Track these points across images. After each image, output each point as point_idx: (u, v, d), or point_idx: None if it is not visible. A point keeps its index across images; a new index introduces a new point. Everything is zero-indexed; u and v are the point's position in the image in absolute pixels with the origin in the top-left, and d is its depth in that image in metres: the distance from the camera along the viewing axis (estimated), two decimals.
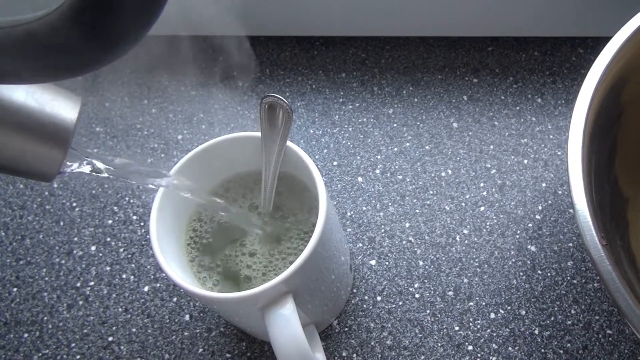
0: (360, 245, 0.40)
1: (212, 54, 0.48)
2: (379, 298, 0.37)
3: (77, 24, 0.16)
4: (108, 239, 0.42)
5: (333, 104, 0.46)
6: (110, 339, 0.38)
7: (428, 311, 0.37)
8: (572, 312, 0.36)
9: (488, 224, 0.40)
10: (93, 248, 0.41)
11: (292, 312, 0.28)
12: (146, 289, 0.39)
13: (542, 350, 0.35)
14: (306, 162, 0.31)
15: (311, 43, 0.50)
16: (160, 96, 0.48)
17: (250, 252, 0.32)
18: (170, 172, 0.31)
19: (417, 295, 0.37)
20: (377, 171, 0.42)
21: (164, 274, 0.39)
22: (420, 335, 0.36)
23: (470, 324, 0.36)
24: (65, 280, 0.40)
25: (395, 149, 0.43)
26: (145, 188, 0.43)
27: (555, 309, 0.36)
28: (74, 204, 0.43)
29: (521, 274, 0.38)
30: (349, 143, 0.44)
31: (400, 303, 0.37)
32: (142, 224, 0.42)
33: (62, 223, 0.43)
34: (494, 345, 0.35)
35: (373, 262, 0.39)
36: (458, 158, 0.42)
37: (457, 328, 0.36)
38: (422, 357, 0.35)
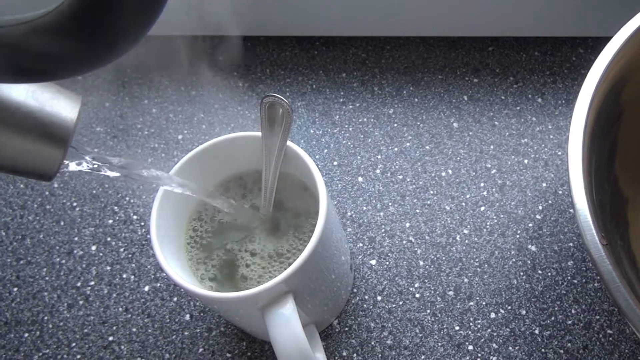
0: (361, 245, 0.40)
1: (213, 54, 0.48)
2: (379, 298, 0.37)
3: (77, 23, 0.16)
4: (108, 239, 0.42)
5: (333, 104, 0.46)
6: (110, 338, 0.38)
7: (428, 311, 0.37)
8: (573, 311, 0.36)
9: (488, 223, 0.40)
10: (93, 248, 0.41)
11: (293, 312, 0.28)
12: (146, 288, 0.39)
13: (543, 350, 0.35)
14: (306, 162, 0.31)
15: (311, 43, 0.50)
16: (161, 96, 0.48)
17: (250, 251, 0.32)
18: (171, 172, 0.31)
19: (417, 295, 0.37)
20: (378, 171, 0.42)
21: (165, 274, 0.39)
22: (420, 335, 0.36)
23: (471, 324, 0.36)
24: (66, 280, 0.40)
25: (396, 149, 0.43)
26: (146, 188, 0.43)
27: (556, 308, 0.36)
28: (75, 204, 0.43)
29: (521, 273, 0.38)
30: (349, 143, 0.44)
31: (401, 303, 0.37)
32: (142, 223, 0.42)
33: (62, 223, 0.43)
34: (494, 345, 0.35)
35: (373, 262, 0.39)
36: (458, 158, 0.42)
37: (457, 328, 0.36)
38: (423, 357, 0.35)
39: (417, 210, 0.40)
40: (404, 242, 0.39)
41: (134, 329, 0.38)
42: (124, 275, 0.40)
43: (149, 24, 0.18)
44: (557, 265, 0.38)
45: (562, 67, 0.46)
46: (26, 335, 0.39)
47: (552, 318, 0.36)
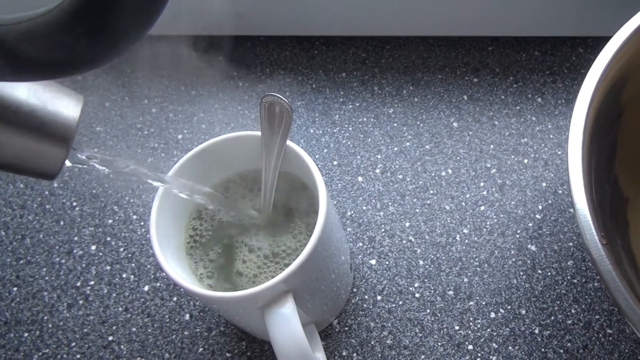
0: (361, 244, 0.40)
1: (213, 54, 0.48)
2: (379, 297, 0.37)
3: (78, 22, 0.16)
4: (108, 239, 0.42)
5: (333, 103, 0.46)
6: (110, 338, 0.38)
7: (428, 310, 0.37)
8: (573, 311, 0.36)
9: (488, 223, 0.40)
10: (93, 247, 0.41)
11: (292, 312, 0.28)
12: (146, 288, 0.39)
13: (543, 350, 0.35)
14: (306, 162, 0.31)
15: (311, 43, 0.50)
16: (161, 96, 0.48)
17: (249, 247, 0.32)
18: (170, 171, 0.31)
19: (417, 295, 0.37)
20: (377, 171, 0.42)
21: (164, 274, 0.39)
22: (420, 335, 0.36)
23: (471, 324, 0.36)
24: (66, 280, 0.40)
25: (396, 149, 0.43)
26: (146, 188, 0.43)
27: (556, 308, 0.36)
28: (74, 204, 0.43)
29: (521, 273, 0.38)
30: (349, 142, 0.44)
31: (401, 302, 0.37)
32: (142, 223, 0.42)
33: (62, 222, 0.43)
34: (494, 344, 0.35)
35: (373, 262, 0.39)
36: (458, 157, 0.42)
37: (457, 327, 0.36)
38: (422, 357, 0.35)
39: (417, 210, 0.40)
40: (404, 241, 0.39)
41: (134, 329, 0.38)
42: (124, 275, 0.40)
43: (149, 23, 0.18)
44: (557, 265, 0.38)
45: (562, 67, 0.46)
46: (26, 334, 0.39)
47: (552, 318, 0.36)
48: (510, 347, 0.35)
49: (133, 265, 0.40)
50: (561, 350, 0.35)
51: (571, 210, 0.40)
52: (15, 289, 0.40)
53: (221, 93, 0.48)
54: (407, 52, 0.48)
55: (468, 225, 0.40)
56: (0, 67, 0.17)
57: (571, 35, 0.47)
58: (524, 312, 0.36)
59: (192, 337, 0.37)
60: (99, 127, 0.47)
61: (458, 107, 0.45)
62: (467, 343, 0.35)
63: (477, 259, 0.38)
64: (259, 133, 0.32)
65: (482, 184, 0.41)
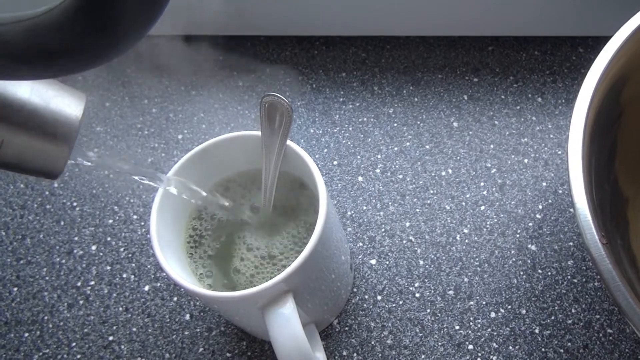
0: (361, 244, 0.40)
1: (212, 54, 0.48)
2: (379, 297, 0.37)
3: (79, 21, 0.16)
4: (108, 239, 0.42)
5: (333, 103, 0.46)
6: (110, 338, 0.38)
7: (428, 310, 0.37)
8: (573, 311, 0.36)
9: (488, 223, 0.40)
10: (93, 247, 0.41)
11: (293, 311, 0.28)
12: (146, 288, 0.39)
13: (543, 350, 0.35)
14: (306, 162, 0.31)
15: (311, 43, 0.50)
16: (161, 96, 0.48)
17: (247, 245, 0.33)
18: (170, 171, 0.31)
19: (417, 295, 0.37)
20: (378, 170, 0.42)
21: (165, 274, 0.39)
22: (420, 335, 0.36)
23: (471, 323, 0.36)
24: (66, 280, 0.40)
25: (396, 149, 0.43)
26: (146, 188, 0.43)
27: (556, 308, 0.36)
28: (75, 204, 0.43)
29: (521, 273, 0.38)
30: (349, 142, 0.44)
31: (401, 302, 0.37)
32: (142, 223, 0.42)
33: (62, 222, 0.43)
34: (494, 344, 0.35)
35: (373, 262, 0.39)
36: (458, 157, 0.42)
37: (457, 327, 0.36)
38: (423, 356, 0.35)
39: (417, 210, 0.40)
40: (404, 241, 0.39)
41: (134, 329, 0.38)
42: (124, 275, 0.40)
43: (151, 22, 0.18)
44: (557, 265, 0.38)
45: (562, 67, 0.46)
46: (26, 335, 0.39)
47: (552, 317, 0.36)
48: (510, 347, 0.35)
49: (133, 265, 0.40)
50: (561, 350, 0.35)
51: (571, 210, 0.40)
52: (15, 289, 0.40)
53: (221, 93, 0.48)
54: (407, 52, 0.48)
55: (468, 225, 0.40)
56: (2, 65, 0.17)
57: (571, 35, 0.47)
58: (524, 311, 0.36)
59: (193, 337, 0.37)
60: (99, 127, 0.47)
61: (458, 107, 0.45)
62: (467, 343, 0.35)
63: (477, 259, 0.38)
64: (259, 133, 0.32)
65: (482, 184, 0.41)
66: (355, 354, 0.36)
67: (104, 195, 0.44)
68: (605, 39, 0.32)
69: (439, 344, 0.36)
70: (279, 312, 0.28)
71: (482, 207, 0.40)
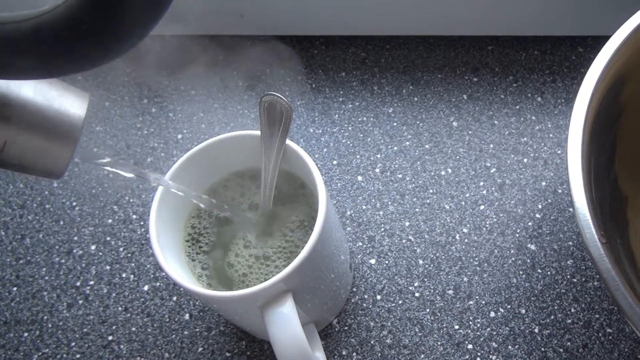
0: (360, 244, 0.40)
1: (212, 53, 0.48)
2: (378, 297, 0.37)
3: (83, 20, 0.16)
4: (108, 238, 0.42)
5: (333, 103, 0.46)
6: (110, 338, 0.38)
7: (428, 310, 0.37)
8: (572, 310, 0.36)
9: (488, 222, 0.40)
10: (93, 247, 0.41)
11: (292, 311, 0.28)
12: (146, 288, 0.39)
13: (542, 349, 0.35)
14: (306, 161, 0.31)
15: (311, 42, 0.50)
16: (160, 95, 0.48)
17: (245, 242, 0.33)
18: (169, 171, 0.31)
19: (416, 294, 0.37)
20: (377, 170, 0.42)
21: (164, 273, 0.39)
22: (420, 334, 0.36)
23: (470, 323, 0.36)
24: (65, 280, 0.40)
25: (395, 148, 0.43)
26: (145, 187, 0.43)
27: (555, 307, 0.36)
28: (74, 203, 0.43)
29: (521, 272, 0.38)
30: (348, 142, 0.44)
31: (400, 302, 0.37)
32: (141, 223, 0.42)
33: (62, 222, 0.43)
34: (493, 344, 0.35)
35: (373, 261, 0.39)
36: (458, 157, 0.42)
37: (457, 327, 0.36)
38: (422, 356, 0.35)
39: (417, 209, 0.40)
40: (404, 241, 0.39)
41: (134, 329, 0.38)
42: (124, 275, 0.40)
43: (154, 21, 0.18)
44: (556, 264, 0.38)
45: (561, 66, 0.46)
46: (26, 334, 0.39)
47: (552, 317, 0.36)
48: (510, 346, 0.35)
49: (133, 265, 0.40)
50: (561, 350, 0.35)
51: (571, 209, 0.40)
52: (15, 288, 0.40)
53: (221, 93, 0.48)
54: (407, 52, 0.48)
55: (468, 225, 0.40)
56: (6, 64, 0.17)
57: (571, 35, 0.47)
58: (523, 311, 0.36)
59: (192, 336, 0.37)
60: (99, 126, 0.47)
61: (458, 107, 0.45)
62: (466, 342, 0.35)
63: (476, 258, 0.38)
64: (257, 132, 0.32)
65: (481, 183, 0.41)
66: (354, 354, 0.36)
67: (103, 195, 0.44)
68: (605, 38, 0.32)
69: (439, 343, 0.36)
70: (279, 311, 0.28)
71: (482, 207, 0.40)
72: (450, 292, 0.37)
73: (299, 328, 0.28)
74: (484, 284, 0.37)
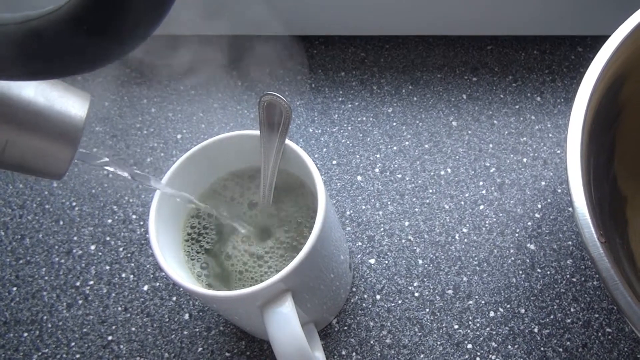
0: (360, 244, 0.40)
1: (212, 53, 0.48)
2: (378, 297, 0.37)
3: (85, 20, 0.16)
4: (107, 238, 0.42)
5: (332, 102, 0.46)
6: (109, 338, 0.38)
7: (427, 310, 0.37)
8: (572, 310, 0.36)
9: (487, 222, 0.40)
10: (92, 247, 0.41)
11: (291, 311, 0.28)
12: (145, 288, 0.39)
13: (542, 349, 0.35)
14: (305, 161, 0.31)
15: (310, 42, 0.50)
16: (160, 95, 0.48)
17: (244, 244, 0.33)
18: (169, 171, 0.31)
19: (416, 294, 0.37)
20: (377, 170, 0.42)
21: (164, 273, 0.39)
22: (419, 334, 0.36)
23: (470, 323, 0.36)
24: (65, 280, 0.40)
25: (395, 148, 0.43)
26: (145, 187, 0.43)
27: (555, 307, 0.36)
28: (74, 204, 0.43)
29: (520, 272, 0.38)
30: (348, 142, 0.44)
31: (400, 302, 0.37)
32: (141, 223, 0.42)
33: (61, 222, 0.43)
34: (493, 343, 0.35)
35: (372, 261, 0.39)
36: (457, 157, 0.42)
37: (456, 326, 0.36)
38: (422, 356, 0.35)
39: (416, 209, 0.40)
40: (403, 241, 0.39)
41: (133, 329, 0.38)
42: (123, 275, 0.40)
43: (157, 22, 0.18)
44: (556, 264, 0.38)
45: (561, 66, 0.46)
46: (25, 334, 0.39)
47: (551, 316, 0.36)
48: (509, 346, 0.35)
49: (132, 265, 0.40)
50: (560, 349, 0.35)
51: (570, 209, 0.40)
52: (14, 288, 0.40)
53: (220, 92, 0.48)
54: (406, 52, 0.48)
55: (467, 225, 0.40)
56: (7, 65, 0.17)
57: (570, 34, 0.47)
58: (523, 311, 0.36)
59: (192, 336, 0.37)
60: (99, 127, 0.47)
61: (457, 106, 0.45)
62: (466, 342, 0.35)
63: (476, 258, 0.38)
64: (256, 132, 0.32)
65: (481, 183, 0.41)
66: (354, 354, 0.36)
67: (103, 195, 0.44)
68: (604, 38, 0.32)
69: (438, 343, 0.36)
70: (278, 311, 0.28)
71: (481, 207, 0.40)
72: (450, 291, 0.37)
73: (299, 328, 0.28)
74: (484, 284, 0.37)
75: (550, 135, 0.43)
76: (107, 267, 0.40)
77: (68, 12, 0.16)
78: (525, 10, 0.44)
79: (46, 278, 0.40)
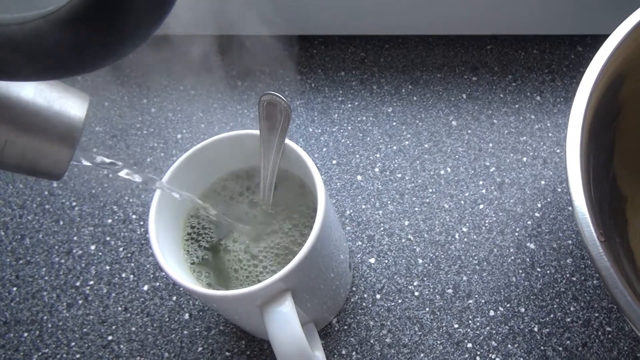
0: (360, 243, 0.40)
1: (211, 53, 0.48)
2: (378, 296, 0.38)
3: (86, 21, 0.16)
4: (107, 238, 0.42)
5: (332, 102, 0.46)
6: (110, 337, 0.38)
7: (427, 309, 0.37)
8: (572, 309, 0.36)
9: (487, 221, 0.40)
10: (92, 247, 0.41)
11: (291, 310, 0.28)
12: (146, 287, 0.39)
13: (542, 348, 0.35)
14: (305, 161, 0.31)
15: (310, 42, 0.50)
16: (160, 95, 0.48)
17: (244, 244, 0.33)
18: (168, 171, 0.31)
19: (416, 293, 0.37)
20: (377, 169, 0.42)
21: (164, 273, 0.39)
22: (419, 333, 0.36)
23: (470, 322, 0.36)
24: (65, 280, 0.40)
25: (395, 148, 0.43)
26: (145, 187, 0.43)
27: (555, 306, 0.36)
28: (74, 203, 0.43)
29: (520, 271, 0.38)
30: (348, 141, 0.44)
31: (400, 301, 0.37)
32: (141, 223, 0.42)
33: (61, 222, 0.43)
34: (493, 342, 0.35)
35: (372, 260, 0.39)
36: (457, 156, 0.42)
37: (456, 326, 0.36)
38: (422, 355, 0.35)
39: (416, 209, 0.41)
40: (403, 240, 0.39)
41: (133, 328, 0.38)
42: (123, 275, 0.40)
43: (158, 22, 0.18)
44: (556, 263, 0.38)
45: (560, 65, 0.46)
46: (25, 334, 0.39)
47: (551, 315, 0.36)
48: (509, 345, 0.35)
49: (132, 264, 0.40)
50: (560, 348, 0.35)
51: (570, 208, 0.40)
52: (14, 288, 0.40)
53: (220, 92, 0.48)
54: (406, 51, 0.48)
55: (467, 224, 0.40)
56: (7, 66, 0.17)
57: (570, 34, 0.47)
58: (523, 310, 0.36)
59: (192, 336, 0.37)
60: (98, 127, 0.47)
61: (457, 106, 0.45)
62: (466, 341, 0.36)
63: (476, 257, 0.38)
64: (256, 131, 0.32)
65: (481, 183, 0.41)
66: (354, 353, 0.36)
67: (103, 195, 0.44)
68: (604, 37, 0.32)
69: (438, 342, 0.36)
70: (278, 310, 0.28)
71: (481, 206, 0.40)
72: (450, 291, 0.37)
73: (299, 327, 0.28)
74: (484, 283, 0.37)
75: (550, 134, 0.43)
76: (107, 267, 0.40)
77: (69, 13, 0.16)
78: (525, 10, 0.44)
79: (46, 278, 0.41)
